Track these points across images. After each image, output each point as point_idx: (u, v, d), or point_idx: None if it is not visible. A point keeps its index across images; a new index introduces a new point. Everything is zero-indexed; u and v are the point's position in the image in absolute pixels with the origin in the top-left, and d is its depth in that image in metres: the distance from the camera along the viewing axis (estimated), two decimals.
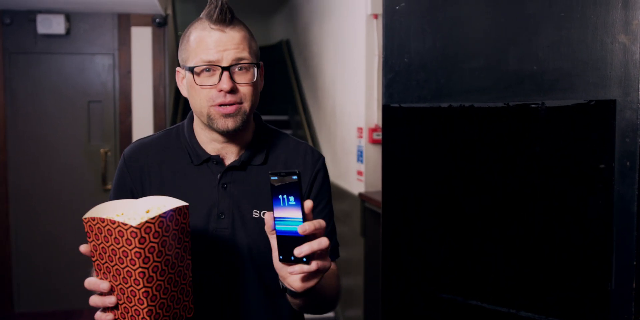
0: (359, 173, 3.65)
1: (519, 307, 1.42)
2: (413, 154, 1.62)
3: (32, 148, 4.35)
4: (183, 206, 1.05)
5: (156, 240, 1.00)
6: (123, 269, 0.99)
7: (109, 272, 1.01)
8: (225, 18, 1.21)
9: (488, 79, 1.45)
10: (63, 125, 4.39)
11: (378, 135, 3.35)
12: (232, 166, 1.30)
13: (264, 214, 1.28)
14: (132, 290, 1.00)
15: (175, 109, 5.22)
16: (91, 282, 1.04)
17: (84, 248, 1.05)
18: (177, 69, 1.30)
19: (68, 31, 4.33)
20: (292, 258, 1.01)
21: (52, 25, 4.26)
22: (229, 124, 1.22)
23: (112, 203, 1.09)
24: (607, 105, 1.27)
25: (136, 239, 0.96)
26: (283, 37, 7.03)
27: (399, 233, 1.64)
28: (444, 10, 1.53)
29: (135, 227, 0.96)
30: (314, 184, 1.37)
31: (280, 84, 6.47)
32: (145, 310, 1.00)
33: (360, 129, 3.56)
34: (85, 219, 1.02)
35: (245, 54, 1.22)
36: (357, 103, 3.63)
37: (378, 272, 2.69)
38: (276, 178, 1.01)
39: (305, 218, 1.00)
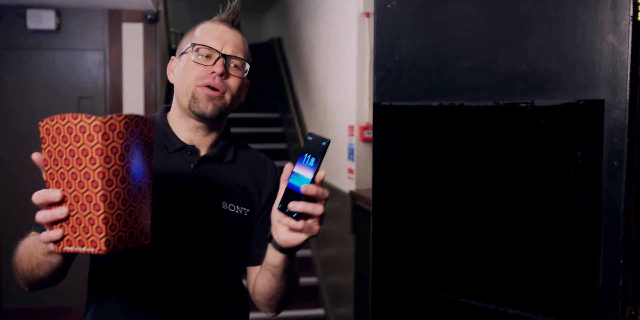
0: (350, 171, 3.66)
1: (508, 304, 1.43)
2: (404, 152, 1.62)
3: (22, 144, 4.33)
4: (148, 119, 1.00)
5: (120, 141, 0.93)
6: (81, 171, 0.91)
7: (63, 179, 0.93)
8: (235, 20, 1.33)
9: (479, 79, 1.46)
10: None
11: (369, 134, 3.36)
12: (208, 157, 1.32)
13: (231, 207, 1.32)
14: (87, 195, 0.91)
15: None
16: (40, 193, 0.95)
17: (36, 156, 0.97)
18: (172, 57, 1.35)
19: (58, 27, 4.31)
20: (286, 211, 1.08)
21: (43, 20, 4.23)
22: (209, 107, 1.25)
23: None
24: (596, 105, 1.28)
25: (99, 134, 0.89)
26: (275, 35, 7.02)
27: (390, 231, 1.65)
28: (436, 9, 1.54)
29: (99, 121, 0.89)
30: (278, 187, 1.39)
31: (271, 82, 6.46)
32: (102, 217, 0.91)
33: (351, 127, 3.57)
34: (43, 121, 0.94)
35: (243, 53, 1.30)
36: (348, 101, 3.64)
37: (368, 270, 2.70)
38: (311, 139, 1.10)
39: (313, 181, 1.08)
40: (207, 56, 1.27)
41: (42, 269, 1.10)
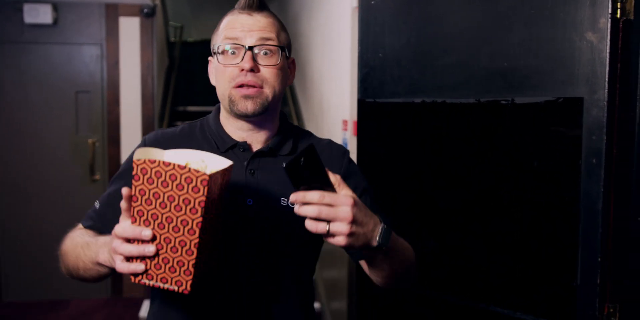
0: None
1: (489, 302, 1.44)
2: (387, 148, 1.62)
3: (19, 138, 4.34)
4: (232, 164, 1.05)
5: (218, 192, 0.98)
6: (178, 217, 0.95)
7: (155, 220, 0.96)
8: (253, 3, 1.22)
9: (460, 75, 1.46)
10: (50, 116, 4.37)
11: None
12: (260, 152, 1.26)
13: (291, 204, 1.21)
14: (181, 241, 0.96)
15: (164, 100, 5.21)
16: (128, 228, 0.96)
17: (126, 191, 0.96)
18: (210, 58, 1.29)
19: (55, 21, 4.30)
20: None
21: (39, 14, 4.22)
22: (249, 106, 1.19)
23: (153, 150, 1.04)
24: (575, 103, 1.28)
25: (205, 188, 0.92)
26: None
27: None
28: (419, 6, 1.54)
29: (209, 175, 0.92)
30: (348, 171, 1.32)
31: None
32: (192, 262, 0.96)
33: (345, 122, 3.57)
34: (140, 160, 0.95)
35: (272, 35, 1.21)
36: (343, 95, 3.63)
37: (352, 264, 2.70)
38: None
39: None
40: (234, 52, 1.20)
41: (89, 273, 1.13)
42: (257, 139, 1.28)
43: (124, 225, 0.97)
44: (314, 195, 0.94)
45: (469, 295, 1.47)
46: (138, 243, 0.97)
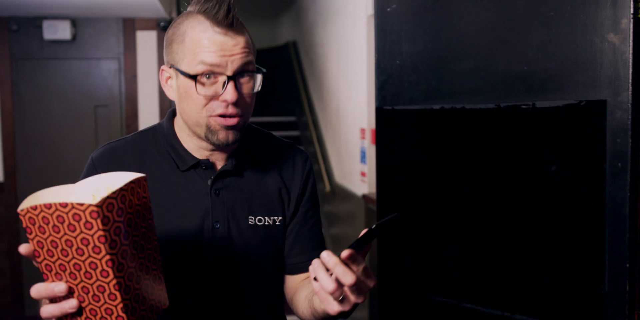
0: (362, 174, 3.64)
1: (513, 310, 1.41)
2: (407, 156, 1.61)
3: (40, 153, 4.39)
4: (141, 177, 0.89)
5: (120, 219, 0.83)
6: (84, 261, 0.82)
7: (64, 270, 0.83)
8: (233, 21, 1.07)
9: (479, 80, 1.44)
10: (70, 130, 4.43)
11: None
12: (225, 171, 1.18)
13: (259, 220, 1.21)
14: (99, 286, 0.83)
15: None
16: (40, 288, 0.85)
17: (24, 249, 0.85)
18: (162, 67, 1.16)
19: (74, 36, 4.37)
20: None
21: (58, 30, 4.29)
22: (230, 136, 1.11)
23: (50, 190, 0.86)
24: (598, 106, 1.25)
25: (98, 220, 0.79)
26: (290, 39, 7.04)
27: (395, 235, 1.63)
28: (435, 12, 1.52)
29: (96, 206, 0.78)
30: (307, 186, 1.29)
31: (287, 85, 6.47)
32: (120, 306, 0.83)
33: (362, 130, 3.56)
34: (23, 210, 0.82)
35: (251, 57, 1.10)
36: (360, 104, 3.63)
37: (374, 273, 2.68)
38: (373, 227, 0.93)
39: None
40: (210, 77, 1.08)
41: None
42: (219, 157, 1.20)
43: (37, 286, 0.86)
44: (366, 268, 0.90)
45: (493, 303, 1.45)
46: (60, 300, 0.85)
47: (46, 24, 4.27)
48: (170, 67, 1.13)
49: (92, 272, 0.82)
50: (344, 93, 4.11)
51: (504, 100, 1.40)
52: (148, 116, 4.49)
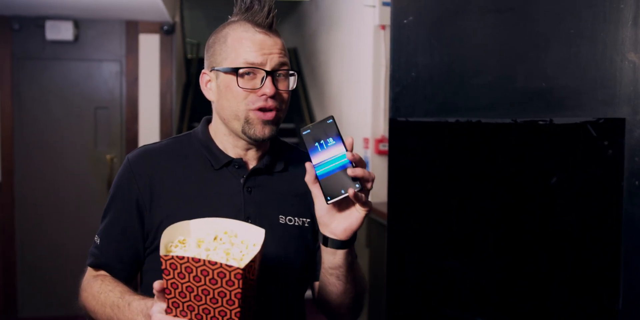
0: None
1: None
2: (420, 168, 1.61)
3: (38, 153, 4.36)
4: (265, 234, 1.02)
5: (253, 278, 0.96)
6: (215, 309, 0.93)
7: (192, 311, 0.94)
8: (273, 22, 1.20)
9: (496, 95, 1.44)
10: (70, 131, 4.40)
11: (384, 146, 3.34)
12: (257, 169, 1.24)
13: (289, 220, 1.25)
14: None
15: (181, 117, 5.22)
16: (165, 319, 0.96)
17: (158, 285, 0.96)
18: (203, 71, 1.25)
19: (76, 37, 4.35)
20: (342, 191, 1.05)
21: (61, 31, 4.28)
22: (267, 131, 1.18)
23: (180, 224, 1.02)
24: (616, 124, 1.26)
25: (240, 281, 0.90)
26: (291, 45, 7.05)
27: (405, 248, 1.63)
28: (452, 24, 1.53)
29: (242, 269, 0.90)
30: None
31: None
32: None
33: (366, 140, 3.56)
34: (167, 256, 0.93)
35: (286, 59, 1.21)
36: (364, 113, 3.63)
37: (382, 284, 2.67)
38: (309, 131, 1.07)
39: (347, 150, 1.05)
40: (249, 73, 1.17)
41: None
42: (252, 156, 1.26)
43: (161, 317, 0.96)
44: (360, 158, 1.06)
45: (505, 318, 1.44)
46: None
47: (49, 24, 4.25)
48: (211, 71, 1.21)
49: (220, 318, 0.94)
50: (347, 102, 4.11)
51: (521, 115, 1.40)
52: (148, 119, 4.47)
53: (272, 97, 1.16)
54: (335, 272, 1.16)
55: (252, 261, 0.93)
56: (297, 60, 6.45)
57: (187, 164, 1.24)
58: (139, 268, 1.26)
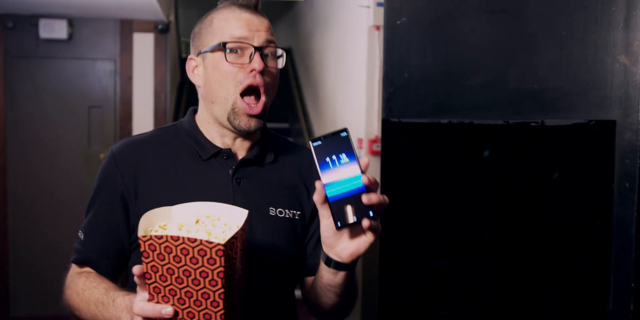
0: None
1: None
2: (412, 169, 1.61)
3: (32, 152, 4.35)
4: (248, 215, 0.98)
5: (236, 256, 0.91)
6: (198, 291, 0.89)
7: (174, 295, 0.90)
8: (258, 3, 1.18)
9: (488, 96, 1.45)
10: (63, 130, 4.39)
11: (378, 147, 3.34)
12: (246, 160, 1.21)
13: (280, 212, 1.22)
14: (205, 314, 0.90)
15: (175, 116, 5.22)
16: (146, 307, 0.91)
17: (137, 269, 0.91)
18: (190, 57, 1.22)
19: (70, 36, 4.33)
20: (355, 219, 0.96)
21: (55, 29, 4.25)
22: (252, 124, 1.16)
23: (160, 209, 0.97)
24: (607, 126, 1.26)
25: (222, 258, 0.86)
26: (285, 45, 7.04)
27: (397, 249, 1.63)
28: (445, 26, 1.53)
29: (223, 245, 0.86)
30: None
31: (281, 92, 6.45)
32: None
33: (360, 140, 3.56)
34: (146, 237, 0.88)
35: (274, 38, 1.19)
36: (357, 114, 3.63)
37: (375, 284, 2.67)
38: (319, 143, 0.97)
39: (363, 172, 0.97)
40: (237, 51, 1.15)
41: None
42: (241, 146, 1.23)
43: (142, 305, 0.92)
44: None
45: (497, 318, 1.45)
46: None
47: (42, 23, 4.23)
48: (197, 55, 1.20)
49: (203, 301, 0.89)
50: (340, 102, 4.12)
51: (513, 117, 1.40)
52: (142, 118, 4.46)
53: (261, 73, 1.14)
54: (334, 289, 1.14)
55: (234, 237, 0.89)
56: (291, 60, 6.44)
57: (174, 155, 1.21)
58: (124, 263, 1.22)
